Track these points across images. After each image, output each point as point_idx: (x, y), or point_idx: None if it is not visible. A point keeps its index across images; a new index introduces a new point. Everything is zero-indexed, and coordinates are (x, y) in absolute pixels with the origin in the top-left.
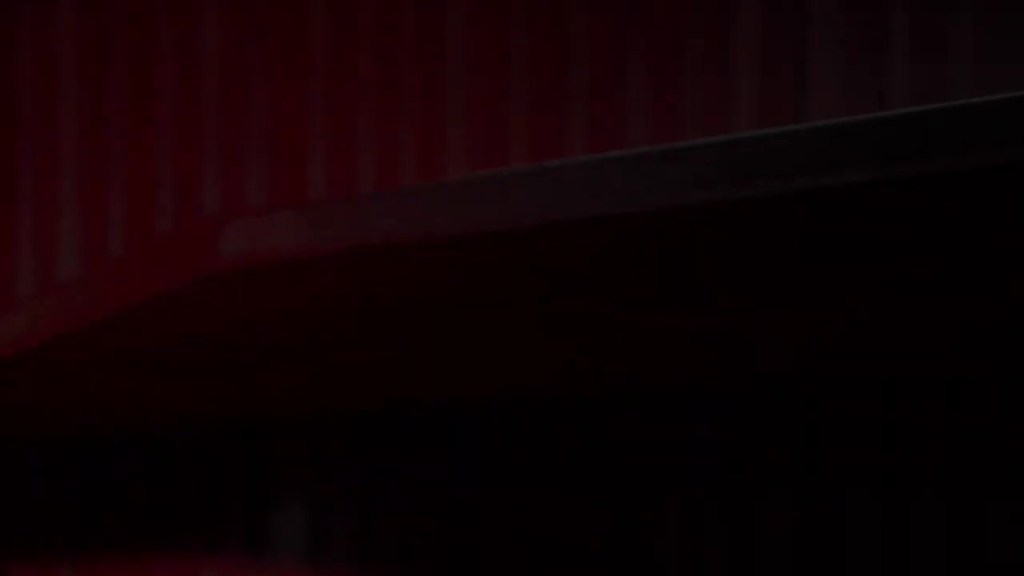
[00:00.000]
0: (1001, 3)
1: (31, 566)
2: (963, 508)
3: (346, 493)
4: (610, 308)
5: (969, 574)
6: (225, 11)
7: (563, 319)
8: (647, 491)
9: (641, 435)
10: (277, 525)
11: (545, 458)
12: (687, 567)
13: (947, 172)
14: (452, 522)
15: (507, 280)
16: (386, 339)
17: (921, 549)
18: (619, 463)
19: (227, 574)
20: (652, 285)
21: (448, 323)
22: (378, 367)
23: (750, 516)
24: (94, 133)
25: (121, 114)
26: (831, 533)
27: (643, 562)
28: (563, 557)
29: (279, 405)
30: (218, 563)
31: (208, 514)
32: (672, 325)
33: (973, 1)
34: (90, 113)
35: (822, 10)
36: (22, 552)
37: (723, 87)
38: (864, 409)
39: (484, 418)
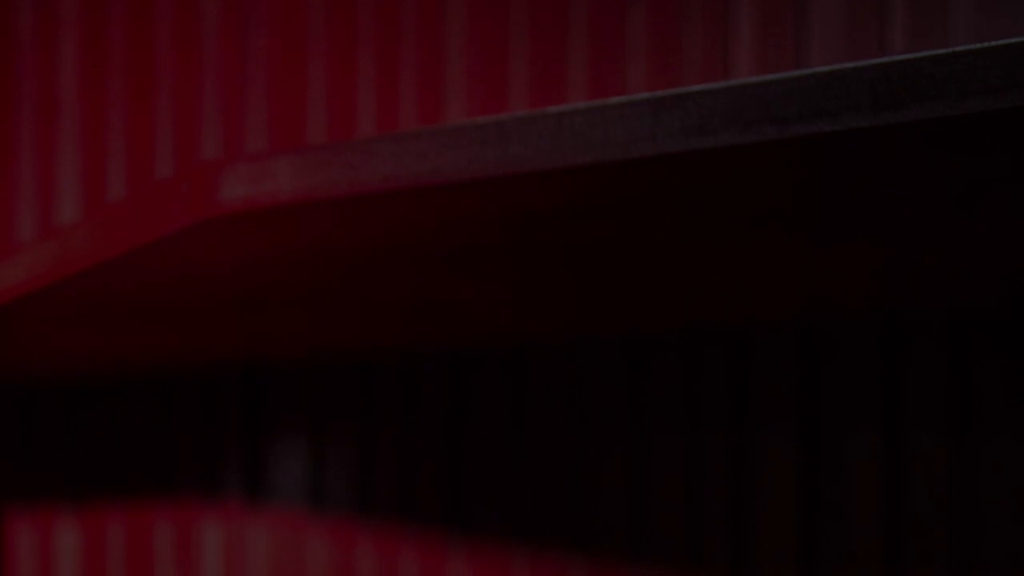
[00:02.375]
0: None
1: (30, 514)
2: (962, 451)
3: (345, 440)
4: (608, 254)
5: (968, 517)
6: None
7: (561, 265)
8: (647, 436)
9: (641, 380)
10: (276, 472)
11: (546, 405)
12: (688, 509)
13: (945, 118)
14: (452, 469)
15: (505, 226)
16: (385, 284)
17: (920, 492)
18: (619, 408)
19: (226, 521)
20: (651, 231)
21: (447, 269)
22: (377, 313)
23: (752, 460)
24: (94, 78)
25: (121, 59)
26: (832, 476)
27: (643, 507)
28: (563, 504)
29: (278, 351)
30: (217, 510)
31: (206, 461)
32: (670, 271)
33: None
34: (90, 58)
35: None
36: (21, 499)
37: (723, 32)
38: (864, 351)
39: (485, 365)
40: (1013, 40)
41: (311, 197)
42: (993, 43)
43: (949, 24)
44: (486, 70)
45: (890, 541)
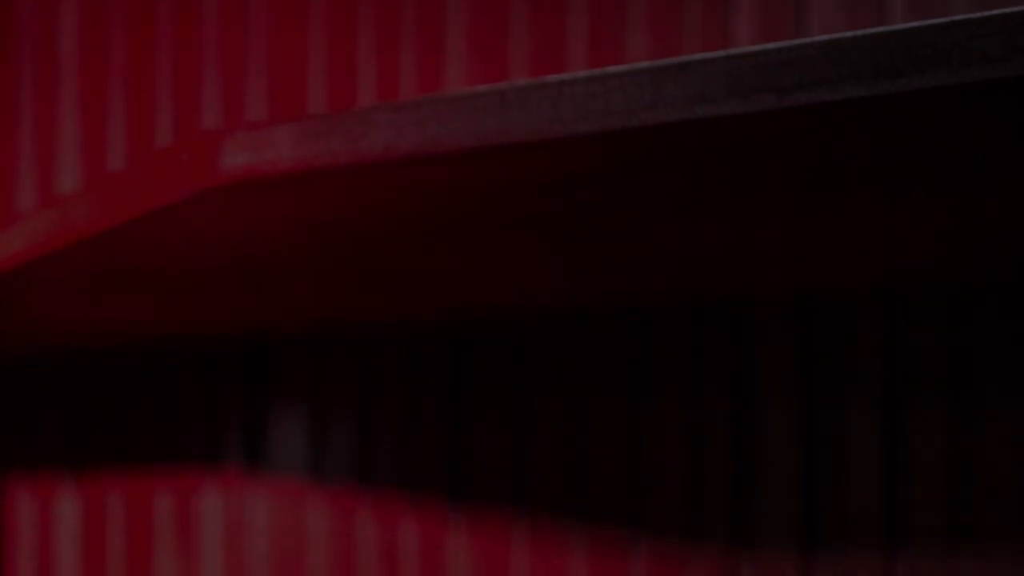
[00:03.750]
0: None
1: (30, 482)
2: (962, 423)
3: (346, 410)
4: (609, 222)
5: (967, 490)
6: None
7: (562, 234)
8: (647, 408)
9: (642, 351)
10: (276, 442)
11: (546, 376)
12: (688, 481)
13: (945, 87)
14: (452, 439)
15: (505, 195)
16: (385, 254)
17: (920, 464)
18: (619, 380)
19: (226, 490)
20: (651, 200)
21: (447, 238)
22: (377, 282)
23: (752, 433)
24: (95, 47)
25: (121, 28)
26: (831, 448)
27: (643, 479)
28: (563, 475)
29: (279, 319)
30: (217, 479)
31: (207, 430)
32: (671, 240)
33: None
34: (90, 28)
35: None
36: (21, 468)
37: (724, 2)
38: (864, 323)
39: (485, 335)
40: (1013, 9)
41: (311, 166)
42: (993, 12)
43: None
44: (486, 39)
45: (889, 513)
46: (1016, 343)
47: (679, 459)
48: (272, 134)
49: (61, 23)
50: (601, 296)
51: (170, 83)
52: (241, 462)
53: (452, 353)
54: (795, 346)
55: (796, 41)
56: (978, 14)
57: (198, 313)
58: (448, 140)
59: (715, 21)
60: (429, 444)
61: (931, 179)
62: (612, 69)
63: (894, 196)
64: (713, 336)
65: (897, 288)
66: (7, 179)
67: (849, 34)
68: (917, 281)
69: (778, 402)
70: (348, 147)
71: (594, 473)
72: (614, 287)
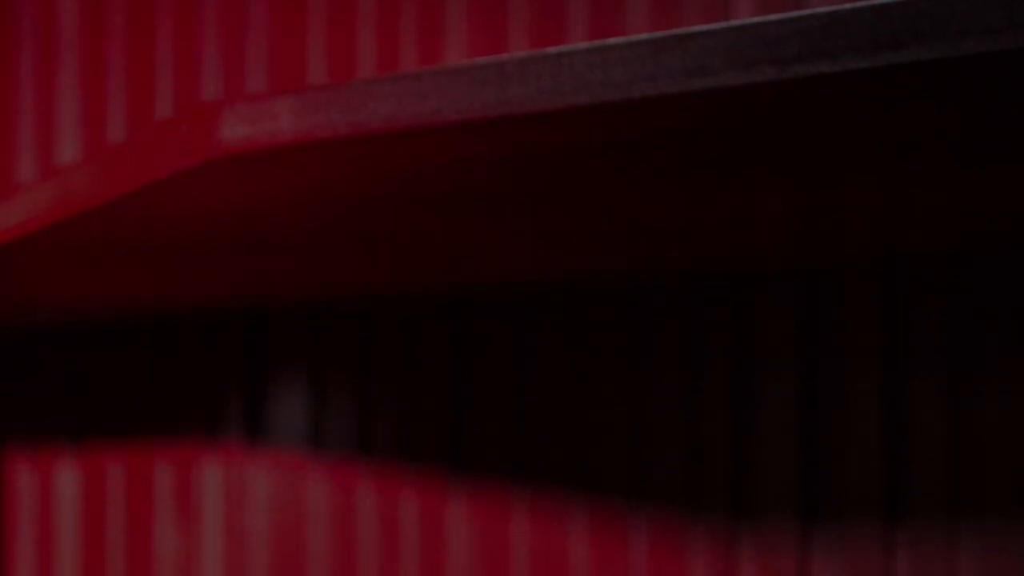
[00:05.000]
0: None
1: (30, 454)
2: (963, 392)
3: (346, 381)
4: (608, 195)
5: (968, 458)
6: None
7: (561, 206)
8: (648, 378)
9: (642, 321)
10: (276, 413)
11: (546, 347)
12: (689, 451)
13: (946, 59)
14: (452, 410)
15: (505, 167)
16: (385, 225)
17: (921, 433)
18: (620, 349)
19: (226, 462)
20: (651, 171)
21: (446, 210)
22: (377, 254)
23: (752, 402)
24: (94, 18)
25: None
26: (833, 417)
27: (644, 449)
28: (563, 445)
29: (279, 291)
30: (217, 451)
31: (207, 402)
32: (670, 211)
33: None
34: None
35: None
36: (21, 440)
37: None
38: (864, 292)
39: (485, 306)
40: None
41: (311, 138)
42: None
43: None
44: (486, 11)
45: (890, 485)
46: (1018, 315)
47: (679, 431)
48: (272, 106)
49: None
50: (602, 267)
51: (170, 54)
52: (241, 434)
53: (452, 325)
54: (796, 318)
55: (796, 13)
56: None
57: (198, 285)
58: (448, 112)
59: None
60: (429, 416)
61: (931, 151)
62: (612, 41)
63: (894, 168)
64: (713, 308)
65: (898, 259)
66: (7, 151)
67: (849, 6)
68: (918, 253)
69: (779, 374)
70: (348, 119)
71: (594, 445)
72: (615, 259)
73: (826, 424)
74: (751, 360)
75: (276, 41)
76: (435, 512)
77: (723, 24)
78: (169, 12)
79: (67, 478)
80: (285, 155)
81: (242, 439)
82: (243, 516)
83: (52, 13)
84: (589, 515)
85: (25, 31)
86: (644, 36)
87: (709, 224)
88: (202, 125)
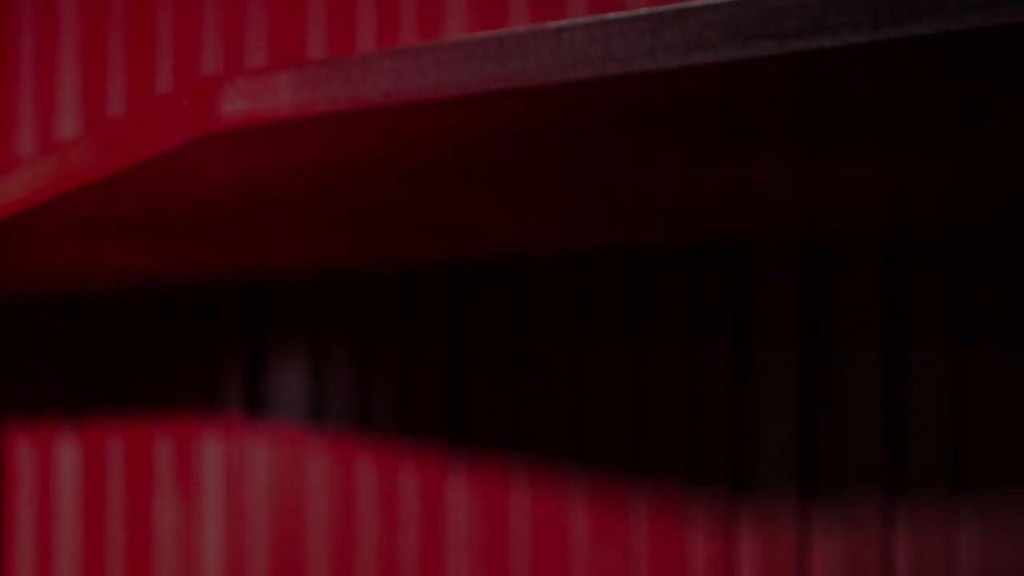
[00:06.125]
0: None
1: (30, 428)
2: (961, 367)
3: (346, 355)
4: (608, 169)
5: (967, 433)
6: None
7: (561, 180)
8: (648, 352)
9: (642, 295)
10: (276, 388)
11: (546, 320)
12: (688, 425)
13: (946, 34)
14: (452, 385)
15: (504, 141)
16: (385, 199)
17: (920, 407)
18: (620, 323)
19: (226, 436)
20: (650, 146)
21: (446, 183)
22: (377, 228)
23: (752, 376)
24: None
25: None
26: (832, 392)
27: (643, 423)
28: (563, 419)
29: (279, 265)
30: (217, 425)
31: (207, 376)
32: (669, 185)
33: None
34: None
35: None
36: (21, 414)
37: None
38: (864, 266)
39: (485, 280)
40: None
41: (311, 112)
42: None
43: None
44: None
45: (890, 457)
46: (1017, 285)
47: (679, 404)
48: (272, 80)
49: None
50: (600, 240)
51: (170, 29)
52: (241, 408)
53: (452, 298)
54: (795, 290)
55: None
56: None
57: (198, 259)
58: (448, 86)
59: None
60: (429, 390)
61: (931, 125)
62: (611, 16)
63: (894, 142)
64: (713, 281)
65: (897, 231)
66: (7, 125)
67: None
68: (917, 224)
69: (778, 347)
70: (348, 93)
71: (594, 418)
72: (614, 232)
73: (826, 399)
74: (751, 335)
75: (276, 16)
76: (435, 486)
77: None
78: None
79: (67, 452)
80: (285, 130)
81: (242, 413)
82: (243, 490)
83: None
84: (589, 489)
85: (26, 6)
86: (643, 11)
87: (708, 198)
88: (202, 100)
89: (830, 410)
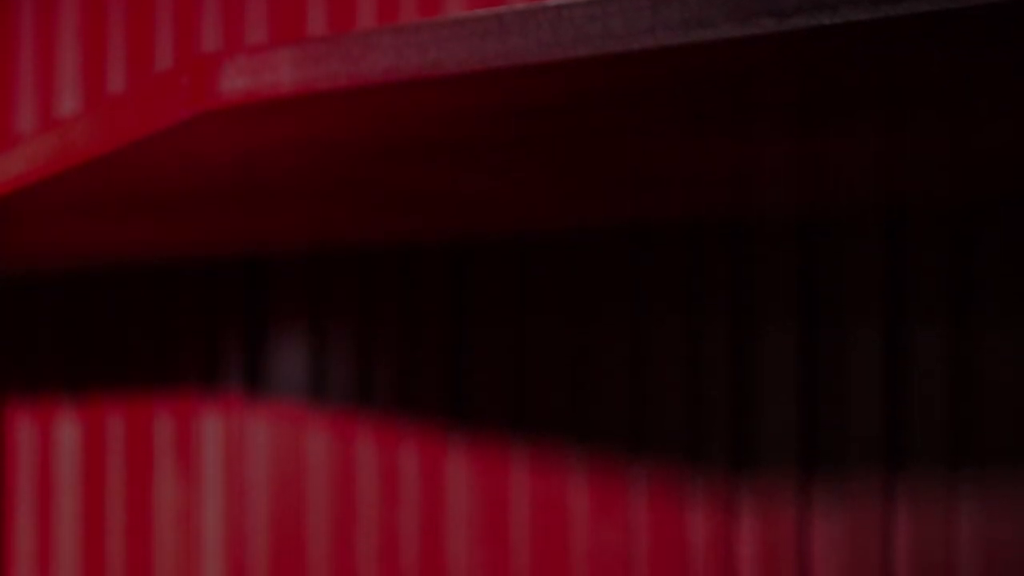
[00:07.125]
0: None
1: (30, 406)
2: (962, 341)
3: (346, 332)
4: (607, 146)
5: (968, 408)
6: None
7: (560, 157)
8: (648, 328)
9: (643, 271)
10: (276, 365)
11: (547, 297)
12: (689, 401)
13: (946, 11)
14: (452, 361)
15: (504, 118)
16: (385, 176)
17: (921, 382)
18: (620, 300)
19: (226, 413)
20: (650, 123)
21: (446, 161)
22: (377, 205)
23: (753, 352)
24: None
25: None
26: (833, 366)
27: (643, 399)
28: (563, 396)
29: (279, 243)
30: (217, 402)
31: (207, 353)
32: (669, 162)
33: None
34: None
35: None
36: (21, 392)
37: None
38: (864, 241)
39: (485, 256)
40: None
41: (311, 89)
42: None
43: None
44: None
45: (890, 432)
46: (1017, 260)
47: (679, 380)
48: (272, 57)
49: None
50: (601, 217)
51: (170, 5)
52: (241, 385)
53: (452, 274)
54: (796, 265)
55: None
56: None
57: (197, 235)
58: (448, 63)
59: None
60: (429, 366)
61: (931, 102)
62: None
63: (894, 119)
64: (713, 256)
65: (898, 206)
66: (7, 102)
67: None
68: (918, 200)
69: (779, 321)
70: (348, 70)
71: (594, 395)
72: (613, 208)
73: (826, 375)
74: (752, 311)
75: None
76: (435, 463)
77: None
78: None
79: (67, 429)
80: (285, 107)
81: (242, 390)
82: (243, 467)
83: None
84: (589, 466)
85: None
86: None
87: (708, 175)
88: (202, 77)
89: (831, 387)
